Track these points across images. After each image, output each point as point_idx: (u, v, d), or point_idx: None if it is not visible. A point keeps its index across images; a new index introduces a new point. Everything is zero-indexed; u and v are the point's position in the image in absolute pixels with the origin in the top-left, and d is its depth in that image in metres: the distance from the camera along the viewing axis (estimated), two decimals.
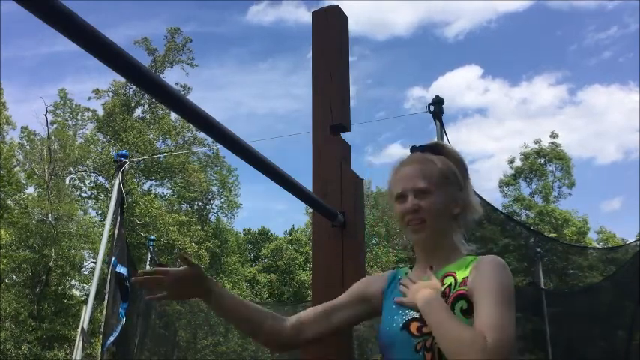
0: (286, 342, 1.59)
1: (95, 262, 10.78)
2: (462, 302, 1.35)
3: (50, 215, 19.43)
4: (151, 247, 9.42)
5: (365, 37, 38.61)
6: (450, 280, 1.42)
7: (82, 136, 24.26)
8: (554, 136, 27.17)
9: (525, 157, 27.29)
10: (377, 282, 1.61)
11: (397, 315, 1.44)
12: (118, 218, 6.52)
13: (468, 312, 1.33)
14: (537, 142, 27.33)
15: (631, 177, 38.78)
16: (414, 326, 1.39)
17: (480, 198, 6.78)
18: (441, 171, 1.50)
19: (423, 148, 1.59)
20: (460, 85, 39.98)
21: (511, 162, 27.82)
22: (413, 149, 1.61)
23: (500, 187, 27.77)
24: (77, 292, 21.90)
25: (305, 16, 34.96)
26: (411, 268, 1.60)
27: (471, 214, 1.56)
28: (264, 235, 32.78)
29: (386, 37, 43.44)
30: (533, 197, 26.87)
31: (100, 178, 23.96)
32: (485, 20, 41.82)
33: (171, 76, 27.17)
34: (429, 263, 1.50)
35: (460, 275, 1.41)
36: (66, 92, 24.20)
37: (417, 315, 1.39)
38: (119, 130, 23.49)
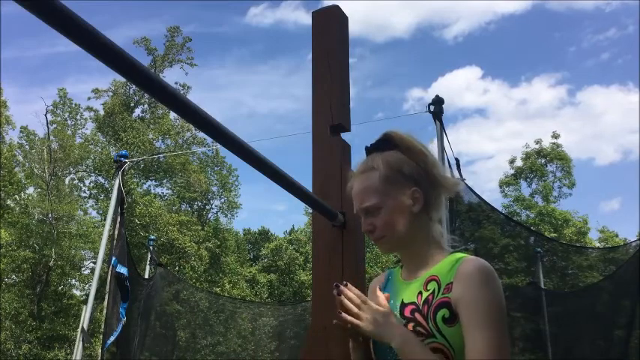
0: None
1: (95, 262, 10.78)
2: (444, 311, 1.30)
3: (50, 215, 19.43)
4: (151, 247, 9.41)
5: (364, 39, 38.70)
6: (433, 285, 1.36)
7: (82, 135, 24.28)
8: (555, 136, 27.23)
9: (527, 156, 27.32)
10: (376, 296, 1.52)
11: None
12: (118, 218, 6.52)
13: (450, 321, 1.29)
14: (538, 142, 27.38)
15: (630, 178, 38.85)
16: None
17: (480, 198, 6.79)
18: (385, 176, 1.42)
19: (373, 148, 1.51)
20: (460, 86, 40.09)
21: (512, 162, 27.86)
22: (365, 150, 1.53)
23: (500, 186, 27.80)
24: (77, 292, 21.93)
25: (304, 18, 35.05)
26: (401, 267, 1.55)
27: (446, 192, 1.48)
28: (264, 235, 32.78)
29: (385, 39, 43.59)
30: (534, 197, 26.89)
31: (100, 178, 23.98)
32: (485, 22, 41.91)
33: (171, 76, 27.24)
34: (410, 268, 1.46)
35: (443, 280, 1.35)
36: (66, 92, 24.23)
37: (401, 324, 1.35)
38: (119, 130, 23.49)
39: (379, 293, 1.39)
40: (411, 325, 1.33)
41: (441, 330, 1.29)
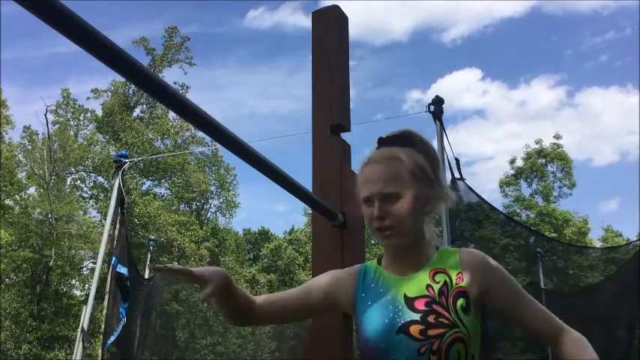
0: (246, 320, 1.57)
1: (95, 262, 10.79)
2: (461, 300, 1.35)
3: (50, 215, 19.42)
4: (151, 247, 9.41)
5: (363, 42, 38.73)
6: (442, 277, 1.40)
7: (83, 136, 24.27)
8: (557, 137, 27.23)
9: (528, 156, 27.33)
10: (344, 285, 1.51)
11: (388, 318, 1.37)
12: (119, 218, 6.51)
13: (467, 309, 1.34)
14: (539, 142, 27.38)
15: (629, 178, 38.89)
16: (414, 329, 1.32)
17: (480, 198, 6.78)
18: (409, 169, 1.42)
19: (391, 141, 1.50)
20: (460, 87, 40.06)
21: (512, 162, 27.86)
22: (380, 141, 1.51)
23: (500, 186, 27.80)
24: (77, 292, 21.92)
25: (303, 21, 35.07)
26: (379, 262, 1.52)
27: (444, 202, 1.52)
28: (264, 235, 32.78)
29: (384, 42, 43.60)
30: (534, 197, 26.89)
31: (100, 178, 23.98)
32: (483, 25, 41.99)
33: (171, 76, 27.22)
34: (402, 263, 1.46)
35: (451, 271, 1.41)
36: (69, 92, 24.21)
37: (416, 317, 1.34)
38: (118, 130, 23.48)
39: None
40: (432, 317, 1.33)
41: (461, 319, 1.33)
